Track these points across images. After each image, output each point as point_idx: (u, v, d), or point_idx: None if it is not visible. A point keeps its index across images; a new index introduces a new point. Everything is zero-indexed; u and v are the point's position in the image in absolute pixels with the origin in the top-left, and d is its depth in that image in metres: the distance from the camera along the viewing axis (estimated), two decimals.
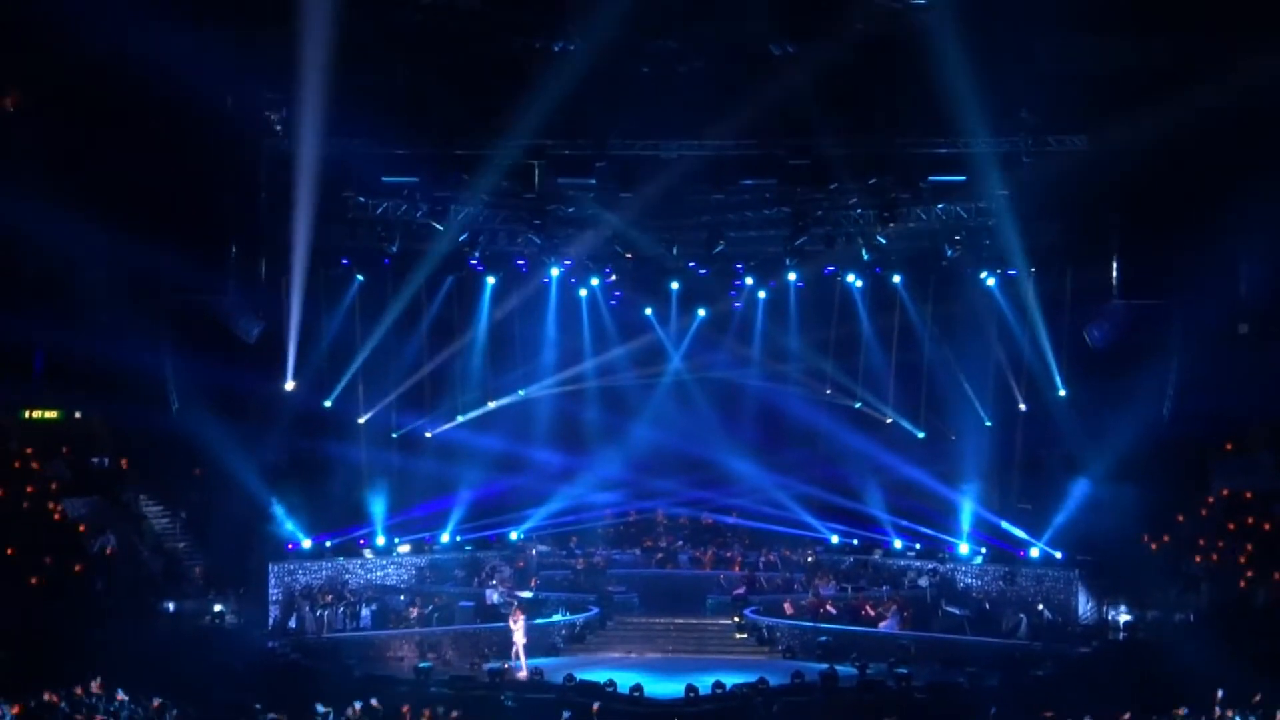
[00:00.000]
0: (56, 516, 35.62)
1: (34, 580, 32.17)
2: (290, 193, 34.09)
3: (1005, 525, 39.46)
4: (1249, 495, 38.04)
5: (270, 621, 36.39)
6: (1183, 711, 25.65)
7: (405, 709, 26.50)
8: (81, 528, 35.75)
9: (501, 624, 36.70)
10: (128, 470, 39.24)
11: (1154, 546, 37.42)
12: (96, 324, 37.21)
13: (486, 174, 35.50)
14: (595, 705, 27.33)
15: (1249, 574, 34.96)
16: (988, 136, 34.36)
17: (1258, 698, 25.85)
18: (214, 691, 27.65)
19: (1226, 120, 31.34)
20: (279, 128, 33.56)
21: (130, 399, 37.51)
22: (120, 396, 37.39)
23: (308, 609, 36.34)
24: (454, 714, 26.24)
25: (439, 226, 38.03)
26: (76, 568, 33.72)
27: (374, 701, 26.56)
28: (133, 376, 36.80)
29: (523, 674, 32.99)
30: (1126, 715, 25.39)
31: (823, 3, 31.52)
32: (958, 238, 38.20)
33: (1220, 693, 26.11)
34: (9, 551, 33.01)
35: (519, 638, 34.17)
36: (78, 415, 39.62)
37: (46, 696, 25.48)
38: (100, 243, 34.39)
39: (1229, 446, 39.28)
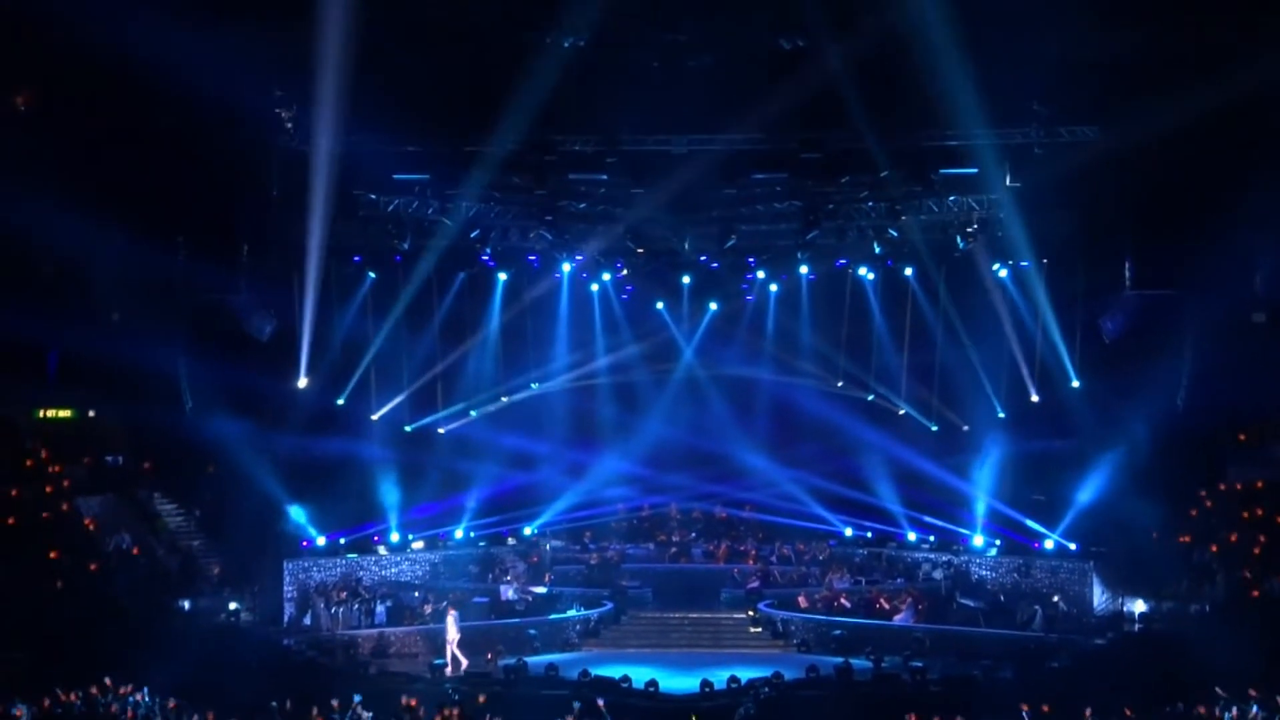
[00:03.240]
0: (73, 518, 35.66)
1: (57, 583, 32.17)
2: (302, 191, 34.12)
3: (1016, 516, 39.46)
4: (1260, 485, 37.96)
5: (285, 619, 36.42)
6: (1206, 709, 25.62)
7: (412, 701, 26.56)
8: (92, 525, 35.82)
9: (516, 620, 36.82)
10: (142, 469, 39.23)
11: (1169, 538, 37.30)
12: (110, 323, 37.36)
13: (498, 170, 35.49)
14: (601, 702, 27.25)
15: (1263, 565, 34.84)
16: (999, 128, 34.28)
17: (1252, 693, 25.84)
18: (230, 689, 27.66)
19: (1240, 110, 31.21)
20: (290, 126, 33.44)
21: (144, 398, 37.59)
22: (134, 395, 37.48)
23: (322, 606, 36.34)
24: (454, 712, 26.20)
25: (450, 223, 37.97)
26: (92, 566, 33.74)
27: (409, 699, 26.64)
28: (146, 375, 36.92)
29: (449, 670, 32.83)
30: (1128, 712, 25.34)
31: None
32: (970, 230, 38.11)
33: (1218, 689, 26.14)
34: (25, 551, 33.04)
35: (452, 634, 33.98)
36: (92, 414, 39.66)
37: (63, 696, 25.56)
38: (113, 242, 34.47)
39: (1243, 437, 39.20)
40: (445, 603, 36.42)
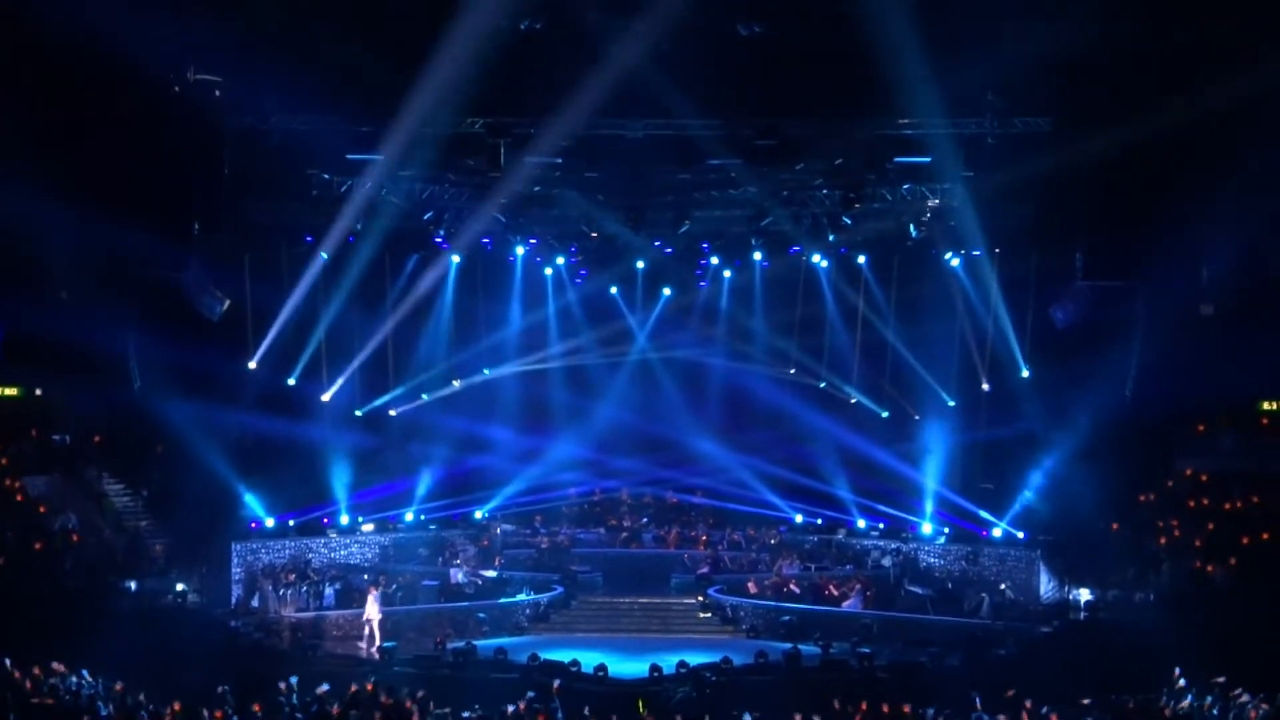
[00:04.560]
0: (19, 497, 35.39)
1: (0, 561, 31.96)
2: (254, 170, 33.95)
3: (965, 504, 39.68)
4: (1204, 478, 38.31)
5: (233, 601, 36.23)
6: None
7: (369, 686, 26.45)
8: (43, 508, 35.57)
9: (465, 604, 36.78)
10: (90, 448, 38.94)
11: (1115, 527, 37.60)
12: (58, 301, 37.03)
13: (452, 152, 35.34)
14: (555, 684, 27.30)
15: (1207, 554, 35.16)
16: (953, 118, 34.39)
17: (1221, 679, 26.01)
18: (176, 671, 27.50)
19: (1193, 106, 31.40)
20: (241, 105, 33.23)
21: (92, 376, 37.33)
22: (82, 374, 37.22)
23: (270, 588, 36.11)
24: (419, 693, 26.15)
25: (403, 204, 37.81)
26: (37, 545, 33.50)
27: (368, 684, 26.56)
28: (95, 354, 36.72)
29: (373, 651, 32.92)
30: (1087, 701, 25.51)
31: None
32: (923, 219, 38.29)
33: (1179, 671, 26.35)
34: None
35: (372, 613, 34.07)
36: (39, 393, 39.36)
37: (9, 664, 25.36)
38: (62, 220, 34.06)
39: (1193, 428, 39.48)
40: (369, 583, 36.32)
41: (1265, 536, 35.01)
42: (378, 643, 33.32)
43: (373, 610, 34.14)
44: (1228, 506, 37.05)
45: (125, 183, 34.35)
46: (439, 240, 39.74)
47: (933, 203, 37.98)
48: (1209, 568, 34.31)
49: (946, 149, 35.15)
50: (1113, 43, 30.91)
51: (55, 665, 25.95)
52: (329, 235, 38.11)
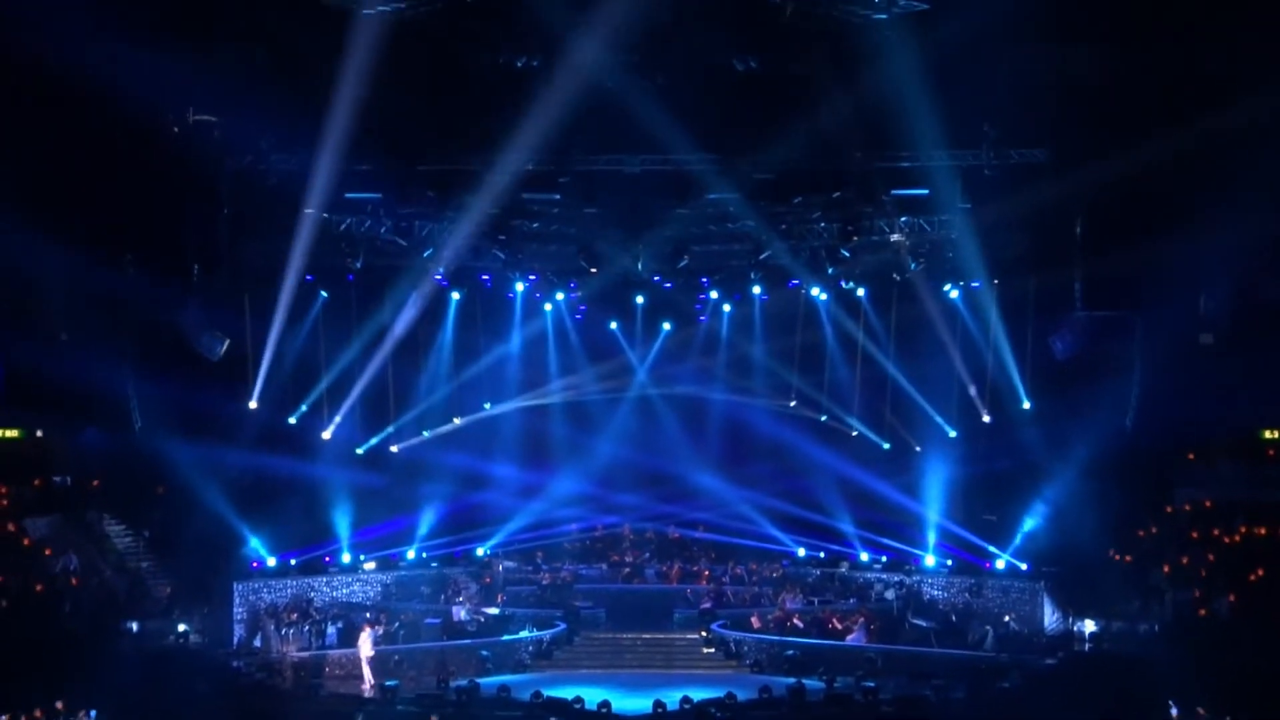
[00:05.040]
0: (26, 540, 35.40)
1: (2, 603, 31.93)
2: (253, 210, 34.07)
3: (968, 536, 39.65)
4: (1209, 505, 38.27)
5: (235, 641, 36.11)
6: None
7: None
8: (39, 546, 35.54)
9: (468, 641, 36.71)
10: (90, 489, 38.93)
11: (1127, 559, 37.55)
12: (58, 342, 37.08)
13: (450, 189, 35.49)
14: None
15: (1210, 585, 35.10)
16: (950, 150, 34.57)
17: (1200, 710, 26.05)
18: (178, 712, 27.53)
19: (1188, 136, 31.55)
20: (239, 145, 33.39)
21: (93, 417, 37.38)
22: (83, 415, 37.27)
23: (272, 628, 36.05)
24: None
25: (403, 242, 37.90)
26: (38, 587, 33.45)
27: None
28: (95, 395, 36.79)
29: (367, 689, 32.99)
30: None
31: (785, 17, 31.59)
32: (921, 251, 38.37)
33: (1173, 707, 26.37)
34: None
35: (365, 650, 34.15)
36: (39, 434, 39.35)
37: (7, 717, 25.34)
38: (62, 261, 34.23)
39: (1191, 457, 39.49)
40: (363, 621, 36.32)
41: (1261, 572, 34.89)
42: (370, 680, 33.37)
43: (366, 647, 34.18)
44: (1229, 538, 36.94)
45: (124, 223, 34.49)
46: (438, 277, 39.73)
47: (931, 235, 38.04)
48: (1217, 601, 34.22)
49: (944, 181, 35.33)
50: (1107, 74, 31.11)
51: (58, 705, 25.99)
52: (329, 274, 38.33)
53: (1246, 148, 31.51)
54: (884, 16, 31.23)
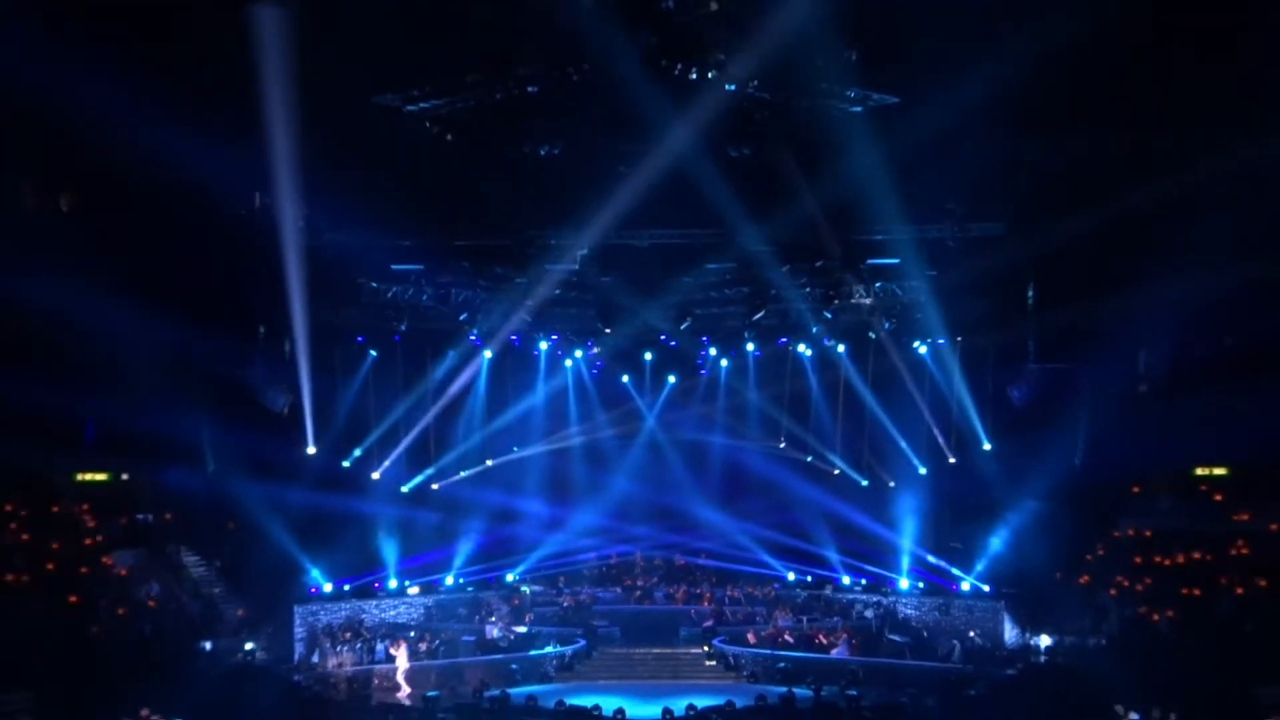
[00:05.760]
0: (122, 572, 35.34)
1: (93, 627, 31.78)
2: (311, 279, 34.14)
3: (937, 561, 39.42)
4: (1149, 534, 38.05)
5: (295, 657, 35.96)
6: None
7: None
8: (125, 575, 35.50)
9: (500, 656, 36.46)
10: (169, 525, 38.86)
11: (1070, 580, 37.32)
12: (141, 397, 37.00)
13: (483, 261, 35.66)
14: None
15: (1151, 603, 34.89)
16: (918, 225, 34.65)
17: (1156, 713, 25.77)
18: None
19: (1129, 209, 31.56)
20: (301, 224, 33.47)
21: (171, 462, 37.37)
22: (162, 460, 37.24)
23: (329, 645, 35.90)
24: None
25: (442, 308, 38.05)
26: (121, 611, 33.31)
27: None
28: (173, 442, 36.79)
29: (404, 698, 33.00)
30: None
31: (773, 109, 31.69)
32: (893, 312, 38.37)
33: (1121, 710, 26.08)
34: (70, 600, 32.64)
35: (401, 663, 34.20)
36: (125, 477, 39.31)
37: None
38: (145, 325, 34.20)
39: (1136, 490, 39.29)
40: (399, 637, 36.30)
41: (1199, 589, 34.70)
42: (405, 689, 33.39)
43: (402, 660, 34.23)
44: (1167, 562, 36.73)
45: (199, 293, 34.54)
46: (473, 338, 39.80)
47: (902, 298, 38.05)
48: (1154, 616, 33.99)
49: (912, 252, 35.41)
50: (1056, 156, 31.11)
51: (143, 713, 25.83)
52: (377, 335, 38.42)
53: (1178, 220, 31.50)
54: (859, 110, 31.35)
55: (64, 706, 27.27)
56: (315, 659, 35.65)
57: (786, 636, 38.03)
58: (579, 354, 42.86)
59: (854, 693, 31.96)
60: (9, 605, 30.86)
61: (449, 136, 32.40)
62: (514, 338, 41.45)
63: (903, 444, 41.29)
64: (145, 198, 32.79)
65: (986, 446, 39.39)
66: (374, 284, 37.36)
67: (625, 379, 44.03)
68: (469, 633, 38.06)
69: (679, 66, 28.45)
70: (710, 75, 29.19)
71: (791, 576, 42.00)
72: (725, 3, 28.33)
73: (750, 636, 38.42)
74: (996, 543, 38.32)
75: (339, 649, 35.78)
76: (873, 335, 39.96)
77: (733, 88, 30.11)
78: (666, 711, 29.68)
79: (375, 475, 41.02)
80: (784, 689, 32.11)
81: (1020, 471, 38.20)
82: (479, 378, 42.05)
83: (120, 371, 36.22)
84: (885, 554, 40.35)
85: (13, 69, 26.73)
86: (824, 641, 37.56)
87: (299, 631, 36.60)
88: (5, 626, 29.41)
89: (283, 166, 30.61)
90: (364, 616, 38.28)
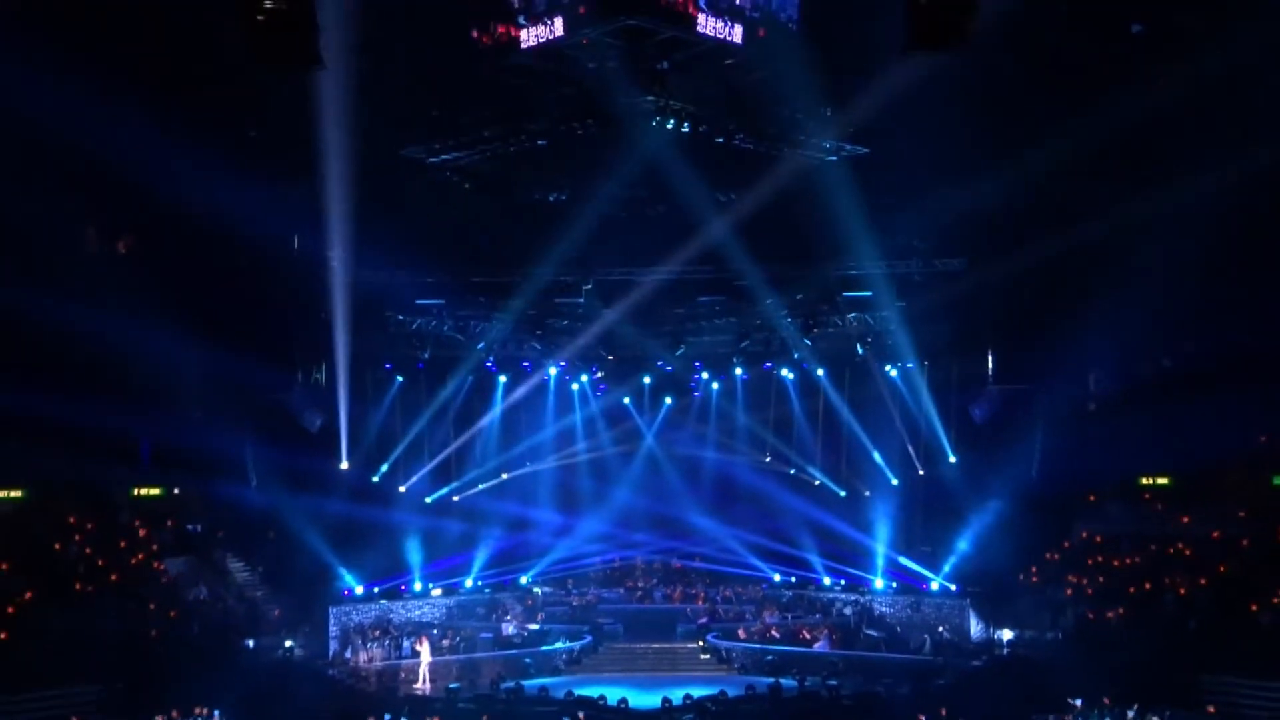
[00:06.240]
0: (164, 578, 35.59)
1: (149, 626, 32.02)
2: (344, 313, 34.51)
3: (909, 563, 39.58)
4: (1100, 538, 38.24)
5: (330, 653, 36.04)
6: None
7: None
8: (176, 580, 35.70)
9: (515, 651, 36.60)
10: (216, 534, 39.07)
11: (1029, 579, 37.49)
12: (191, 418, 37.35)
13: (498, 295, 36.11)
14: (581, 715, 27.38)
15: (1102, 601, 35.06)
16: (888, 260, 35.08)
17: (1107, 700, 26.07)
18: (286, 711, 27.57)
19: (1078, 247, 31.94)
20: (335, 263, 33.86)
21: (217, 476, 37.61)
22: (210, 475, 37.49)
23: (360, 642, 36.02)
24: None
25: (461, 337, 38.47)
26: (172, 613, 33.52)
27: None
28: (220, 459, 37.00)
29: (426, 688, 33.22)
30: None
31: (758, 159, 32.07)
32: (866, 339, 38.78)
33: (1079, 703, 26.37)
34: (122, 601, 32.87)
35: (426, 656, 34.21)
36: (176, 491, 39.50)
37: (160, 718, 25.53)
38: (195, 354, 34.54)
39: (1093, 499, 39.46)
40: (423, 635, 36.20)
41: (1148, 586, 34.88)
42: (426, 679, 33.56)
43: (426, 655, 34.28)
44: (1116, 562, 36.92)
45: (244, 325, 34.87)
46: (489, 364, 40.14)
47: (874, 327, 38.45)
48: (1106, 613, 34.17)
49: (883, 285, 35.79)
50: (1010, 198, 31.44)
51: (196, 711, 26.08)
52: (403, 363, 38.77)
53: (1121, 254, 31.90)
54: (834, 159, 31.78)
55: (126, 698, 27.70)
56: (348, 655, 35.72)
57: (773, 632, 38.15)
58: (584, 378, 43.20)
59: (834, 683, 32.17)
60: (78, 609, 31.06)
61: (468, 185, 32.91)
62: (526, 364, 41.82)
63: (877, 457, 41.46)
64: (196, 240, 33.19)
65: (952, 459, 39.57)
66: (400, 316, 37.79)
67: (626, 400, 44.31)
68: (487, 630, 38.14)
69: (672, 122, 28.86)
70: (700, 129, 29.64)
71: (777, 578, 42.05)
72: (714, 65, 28.83)
73: (741, 632, 38.53)
74: (963, 546, 38.32)
75: (369, 645, 35.87)
76: (849, 360, 40.29)
77: (720, 140, 30.59)
78: (665, 701, 29.97)
79: (402, 488, 41.30)
80: (771, 680, 32.34)
81: (983, 482, 38.33)
82: (495, 400, 42.36)
83: (173, 396, 36.64)
84: (862, 557, 40.31)
85: (76, 126, 27.19)
86: (807, 636, 37.67)
87: (333, 630, 36.62)
88: (75, 629, 29.68)
89: (322, 212, 31.06)
90: (392, 616, 38.33)
